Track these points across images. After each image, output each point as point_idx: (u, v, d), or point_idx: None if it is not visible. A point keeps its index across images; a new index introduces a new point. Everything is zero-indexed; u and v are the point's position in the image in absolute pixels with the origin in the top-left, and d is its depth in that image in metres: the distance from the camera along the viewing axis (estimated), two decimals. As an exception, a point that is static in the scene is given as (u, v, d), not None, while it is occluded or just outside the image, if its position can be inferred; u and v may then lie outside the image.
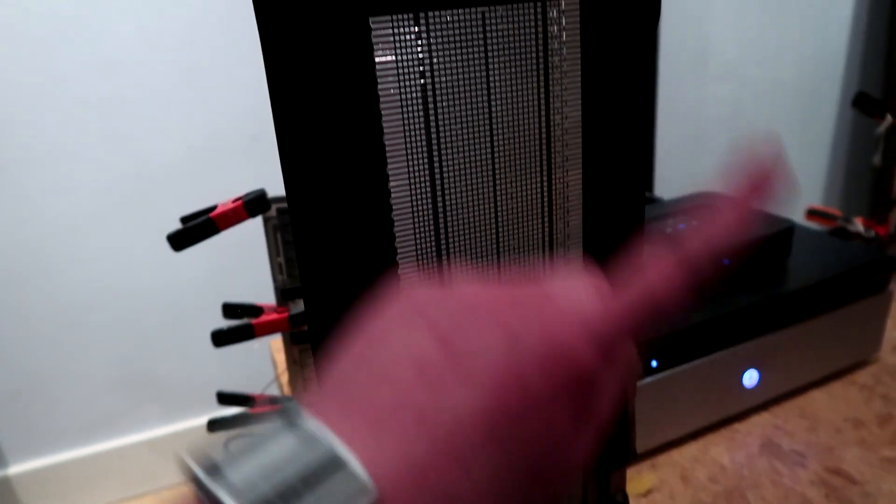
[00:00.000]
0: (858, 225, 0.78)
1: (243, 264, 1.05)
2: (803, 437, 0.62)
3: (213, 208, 0.59)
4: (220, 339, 0.60)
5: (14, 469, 1.07)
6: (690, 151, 1.32)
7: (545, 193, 0.33)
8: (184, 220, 0.60)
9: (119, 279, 1.04)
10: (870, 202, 1.44)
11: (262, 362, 0.87)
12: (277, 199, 0.61)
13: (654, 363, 0.55)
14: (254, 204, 0.60)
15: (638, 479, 0.57)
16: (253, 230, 0.99)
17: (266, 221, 0.62)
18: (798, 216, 0.79)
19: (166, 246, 1.03)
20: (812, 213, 0.98)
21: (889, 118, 0.74)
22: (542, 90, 0.32)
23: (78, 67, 0.94)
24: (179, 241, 0.58)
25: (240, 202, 0.59)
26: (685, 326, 0.56)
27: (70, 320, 1.03)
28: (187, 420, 1.15)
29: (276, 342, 0.83)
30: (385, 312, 0.19)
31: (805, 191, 1.46)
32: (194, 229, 0.58)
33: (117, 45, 0.95)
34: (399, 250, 0.30)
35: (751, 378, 0.62)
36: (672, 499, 0.55)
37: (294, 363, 0.66)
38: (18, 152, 0.95)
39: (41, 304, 1.01)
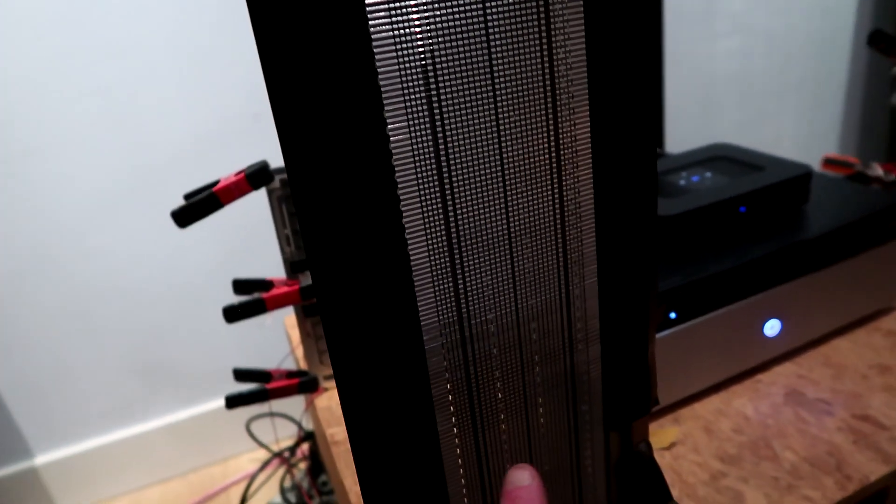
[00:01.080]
0: (878, 169, 0.76)
1: (253, 245, 1.04)
2: (828, 385, 0.60)
3: (216, 183, 0.58)
4: (232, 314, 0.60)
5: (40, 459, 1.08)
6: (701, 107, 1.29)
7: (552, 149, 0.32)
8: (187, 196, 0.60)
9: (130, 266, 1.03)
10: (888, 150, 1.40)
11: (277, 340, 0.86)
12: (280, 171, 0.60)
13: (672, 315, 0.54)
14: (256, 176, 0.59)
15: (661, 433, 0.56)
16: (260, 211, 0.98)
17: (270, 193, 0.61)
18: (815, 166, 0.77)
19: (176, 231, 1.03)
20: (829, 162, 0.96)
21: (906, 56, 0.72)
22: (543, 25, 0.30)
23: (77, 55, 0.93)
24: (183, 217, 0.57)
25: (242, 175, 0.58)
26: (703, 276, 0.55)
27: (84, 310, 1.04)
28: (206, 403, 1.15)
29: (289, 318, 0.83)
30: None
31: (821, 141, 1.43)
32: (198, 204, 0.57)
33: (115, 31, 0.94)
34: (404, 212, 0.29)
35: (772, 328, 0.61)
36: (696, 451, 0.54)
37: (308, 336, 0.65)
38: (22, 144, 0.94)
39: (55, 296, 1.02)
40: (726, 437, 0.56)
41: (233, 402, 0.64)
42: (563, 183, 0.33)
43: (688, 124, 1.28)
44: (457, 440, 0.35)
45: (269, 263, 1.04)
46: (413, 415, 0.33)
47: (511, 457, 0.37)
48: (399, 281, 0.30)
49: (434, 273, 0.31)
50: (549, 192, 0.33)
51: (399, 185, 0.29)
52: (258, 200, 0.72)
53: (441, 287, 0.31)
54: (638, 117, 0.34)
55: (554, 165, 0.32)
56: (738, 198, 0.61)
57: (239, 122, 1.03)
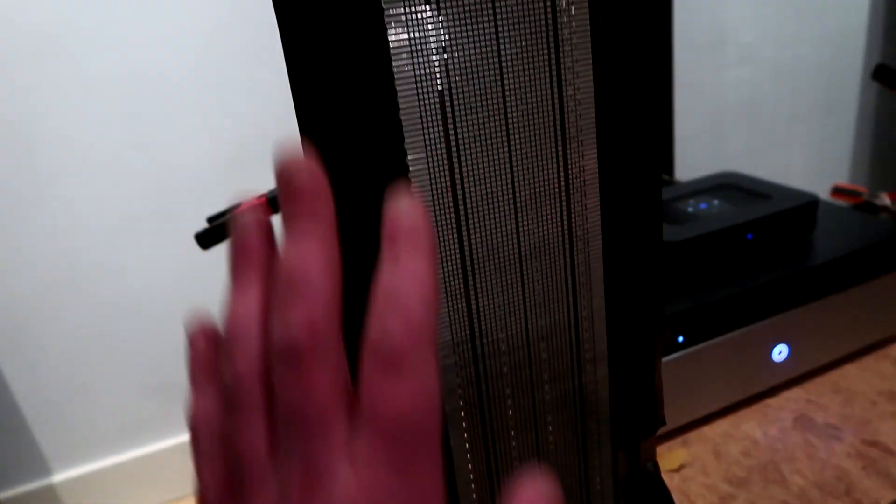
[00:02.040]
0: (885, 199, 0.77)
1: (270, 268, 1.07)
2: (837, 411, 0.61)
3: (238, 206, 0.60)
4: (206, 238, 0.59)
5: (58, 477, 1.10)
6: (710, 137, 1.31)
7: (562, 178, 0.34)
8: (210, 219, 0.62)
9: (151, 287, 1.06)
10: (898, 179, 1.41)
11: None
12: (301, 195, 0.62)
13: (680, 338, 0.55)
14: (277, 200, 0.61)
15: (669, 456, 0.57)
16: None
17: (291, 217, 0.63)
18: (824, 196, 0.78)
19: (195, 253, 1.05)
20: (837, 191, 0.97)
21: (911, 88, 0.73)
22: (553, 65, 0.32)
23: (105, 79, 0.97)
24: (206, 239, 0.60)
25: (263, 199, 0.61)
26: (711, 301, 0.56)
27: (105, 329, 1.06)
28: (222, 423, 1.17)
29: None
30: None
31: (830, 171, 1.44)
32: (220, 227, 0.59)
33: (141, 56, 0.98)
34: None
35: (780, 353, 0.62)
36: (705, 474, 0.55)
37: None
38: (48, 167, 0.98)
39: (76, 314, 1.04)
40: (735, 461, 0.56)
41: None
42: (572, 209, 0.35)
43: (697, 153, 1.29)
44: (468, 455, 0.36)
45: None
46: (427, 430, 0.35)
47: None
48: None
49: (448, 293, 0.33)
50: (559, 218, 0.35)
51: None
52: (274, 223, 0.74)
53: (454, 306, 0.33)
54: (644, 148, 0.36)
55: (563, 193, 0.34)
56: (745, 224, 0.62)
57: (258, 148, 1.06)
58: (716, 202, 0.69)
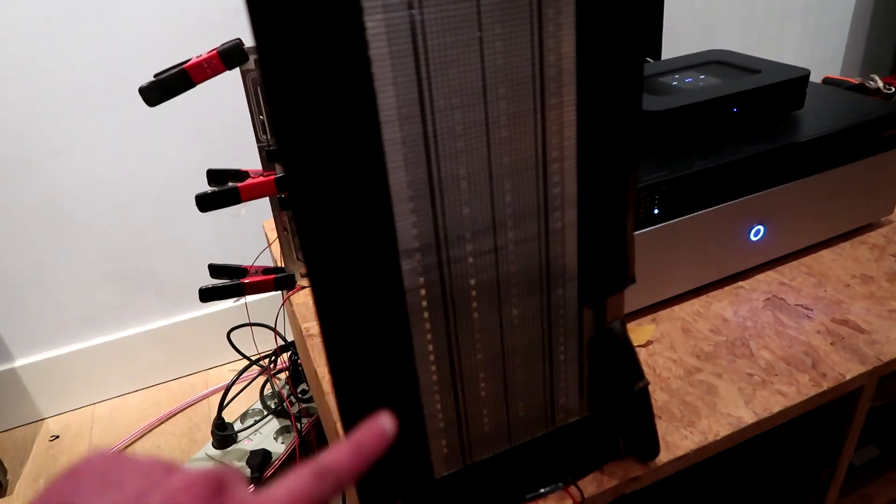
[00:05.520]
0: (878, 81, 0.73)
1: (234, 152, 1.02)
2: (810, 293, 0.60)
3: (187, 61, 0.55)
4: (205, 203, 0.58)
5: (20, 362, 1.08)
6: (701, 33, 1.25)
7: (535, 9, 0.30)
8: (157, 74, 0.57)
9: (106, 169, 1.00)
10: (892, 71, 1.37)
11: (259, 247, 0.85)
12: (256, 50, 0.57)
13: (655, 210, 0.53)
14: (230, 54, 0.56)
15: (638, 330, 0.55)
16: (241, 111, 0.94)
17: (245, 75, 0.58)
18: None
19: (153, 134, 1.00)
20: (827, 83, 0.93)
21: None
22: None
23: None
24: (152, 93, 0.55)
25: (214, 52, 0.55)
26: (689, 172, 0.53)
27: (59, 212, 1.01)
28: (187, 312, 1.15)
29: (268, 222, 0.81)
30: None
31: (824, 65, 1.40)
32: (167, 81, 0.54)
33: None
34: (371, 43, 0.27)
35: (757, 233, 0.60)
36: (673, 349, 0.54)
37: (284, 230, 0.63)
38: (-8, 38, 0.90)
39: (29, 196, 0.99)
40: (703, 337, 0.55)
41: (207, 294, 0.63)
42: (544, 43, 0.31)
43: (687, 51, 1.24)
44: (424, 303, 0.34)
45: (250, 165, 1.01)
46: (377, 264, 0.32)
47: (481, 325, 0.36)
48: (365, 121, 0.29)
49: (401, 115, 0.29)
50: (528, 49, 0.31)
51: (378, 96, 0.27)
52: (238, 100, 0.69)
53: (409, 129, 0.29)
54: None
55: (535, 13, 0.30)
56: (731, 97, 0.59)
57: (217, 17, 0.98)
58: (702, 77, 0.65)
